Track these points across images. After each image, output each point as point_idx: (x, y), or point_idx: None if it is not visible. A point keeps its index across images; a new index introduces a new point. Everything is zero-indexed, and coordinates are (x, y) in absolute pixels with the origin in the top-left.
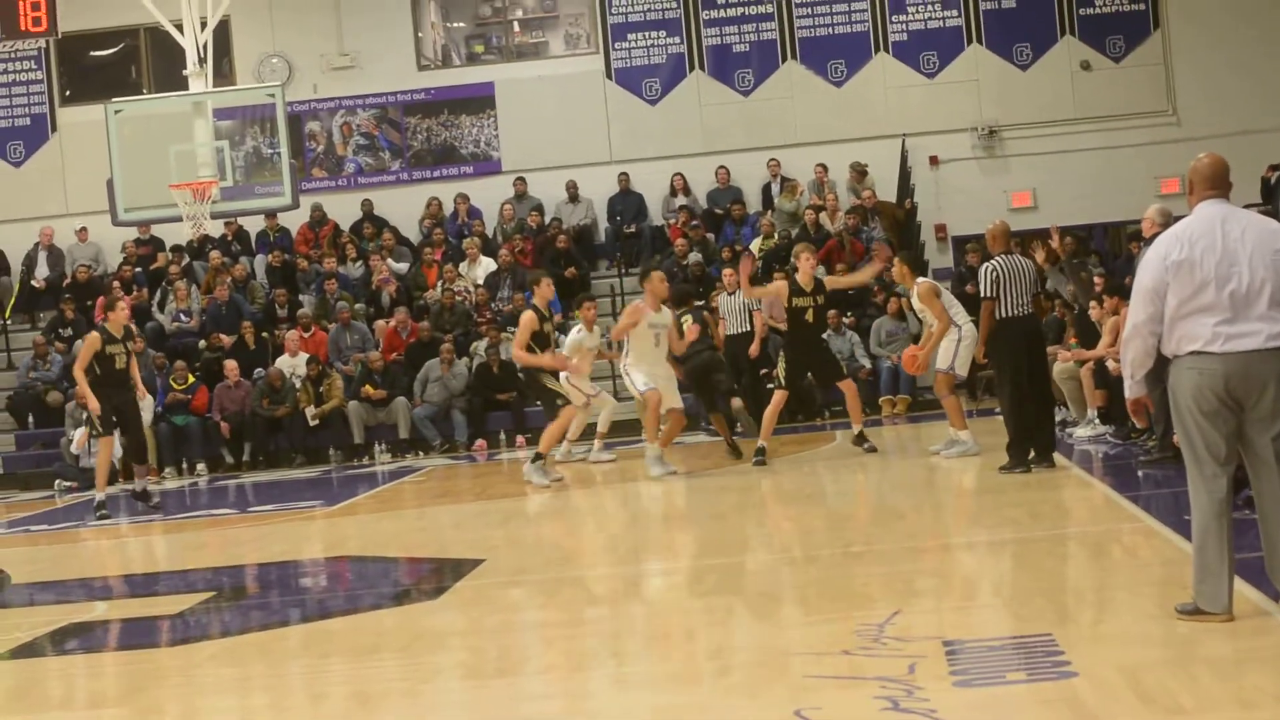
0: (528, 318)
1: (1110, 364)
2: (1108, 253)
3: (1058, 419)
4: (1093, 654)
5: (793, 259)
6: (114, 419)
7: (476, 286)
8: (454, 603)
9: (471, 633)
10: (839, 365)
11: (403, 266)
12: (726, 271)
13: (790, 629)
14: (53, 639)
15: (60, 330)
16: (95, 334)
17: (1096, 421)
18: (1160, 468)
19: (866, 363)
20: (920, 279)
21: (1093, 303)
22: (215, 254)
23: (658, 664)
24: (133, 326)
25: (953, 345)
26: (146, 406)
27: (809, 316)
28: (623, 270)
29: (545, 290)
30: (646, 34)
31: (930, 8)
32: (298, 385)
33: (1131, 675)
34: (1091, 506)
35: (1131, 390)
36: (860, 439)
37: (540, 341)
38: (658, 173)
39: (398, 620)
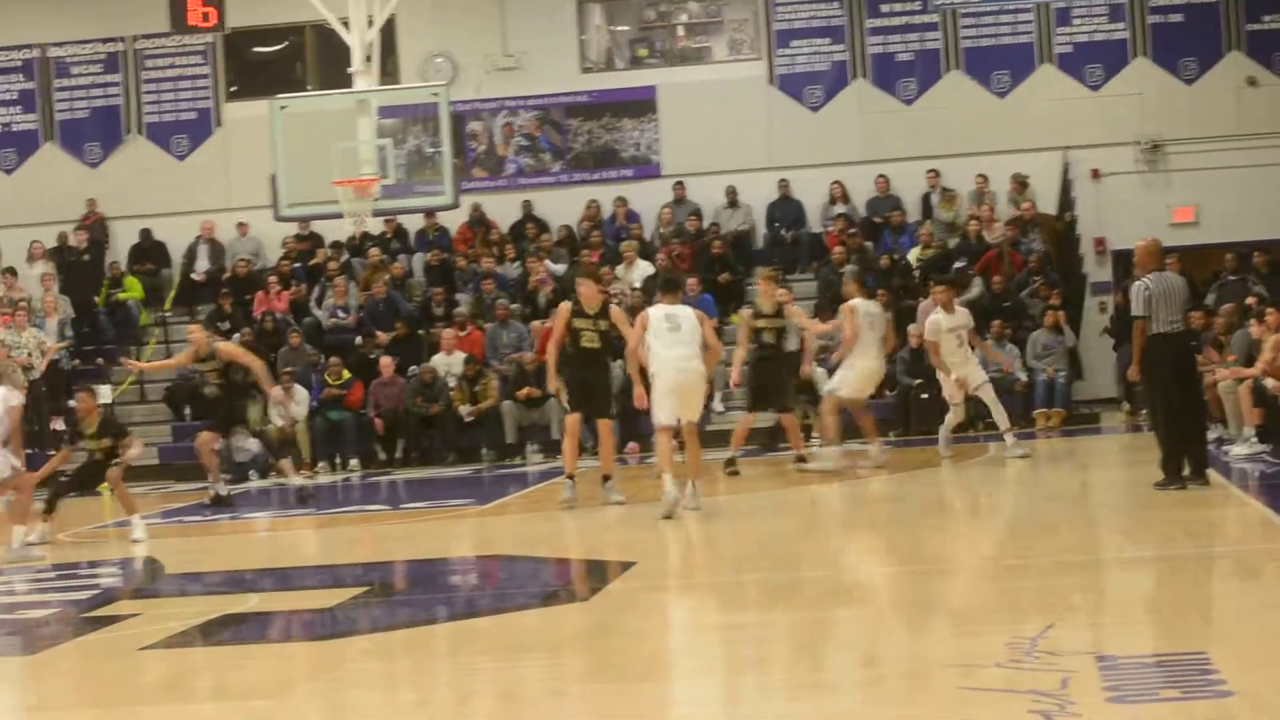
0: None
1: (1270, 383)
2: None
3: (1214, 436)
4: (1248, 674)
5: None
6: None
7: (633, 289)
8: (603, 605)
9: (620, 635)
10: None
11: (560, 268)
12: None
13: (943, 640)
14: (205, 630)
15: (219, 323)
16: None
17: (1254, 440)
18: None
19: (1023, 375)
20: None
21: (1253, 320)
22: (374, 251)
23: (808, 672)
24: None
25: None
26: (301, 401)
27: (767, 337)
28: (781, 277)
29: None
30: (810, 41)
31: (1096, 20)
32: (452, 384)
33: None
34: (1247, 525)
35: None
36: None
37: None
38: (817, 180)
39: (546, 621)
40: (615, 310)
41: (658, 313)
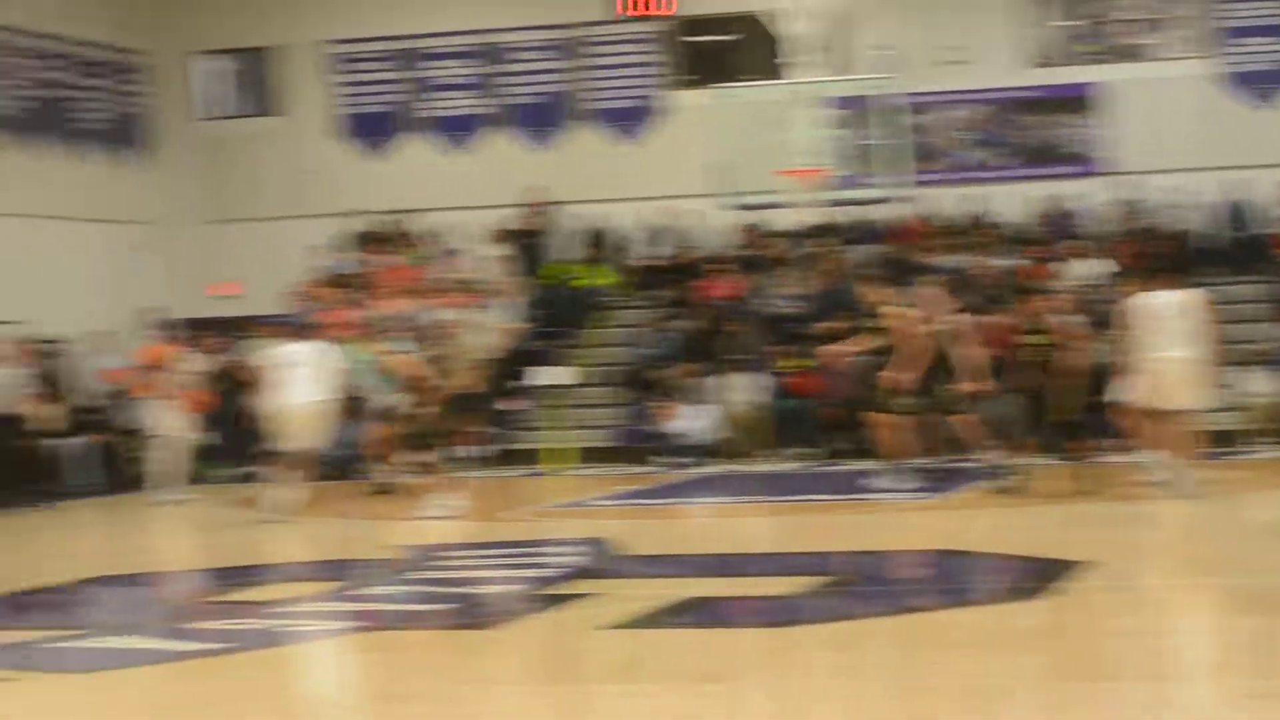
0: None
1: None
2: None
3: None
4: None
5: None
6: None
7: (1076, 288)
8: (1062, 603)
9: (1076, 635)
10: None
11: (1007, 263)
12: None
13: None
14: (666, 612)
15: (673, 308)
16: None
17: None
18: None
19: None
20: None
21: None
22: (824, 241)
23: (1264, 679)
24: None
25: None
26: (750, 389)
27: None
28: (1233, 278)
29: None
30: (1261, 39)
31: None
32: None
33: None
34: None
35: None
36: None
37: None
38: (1268, 179)
39: (1000, 617)
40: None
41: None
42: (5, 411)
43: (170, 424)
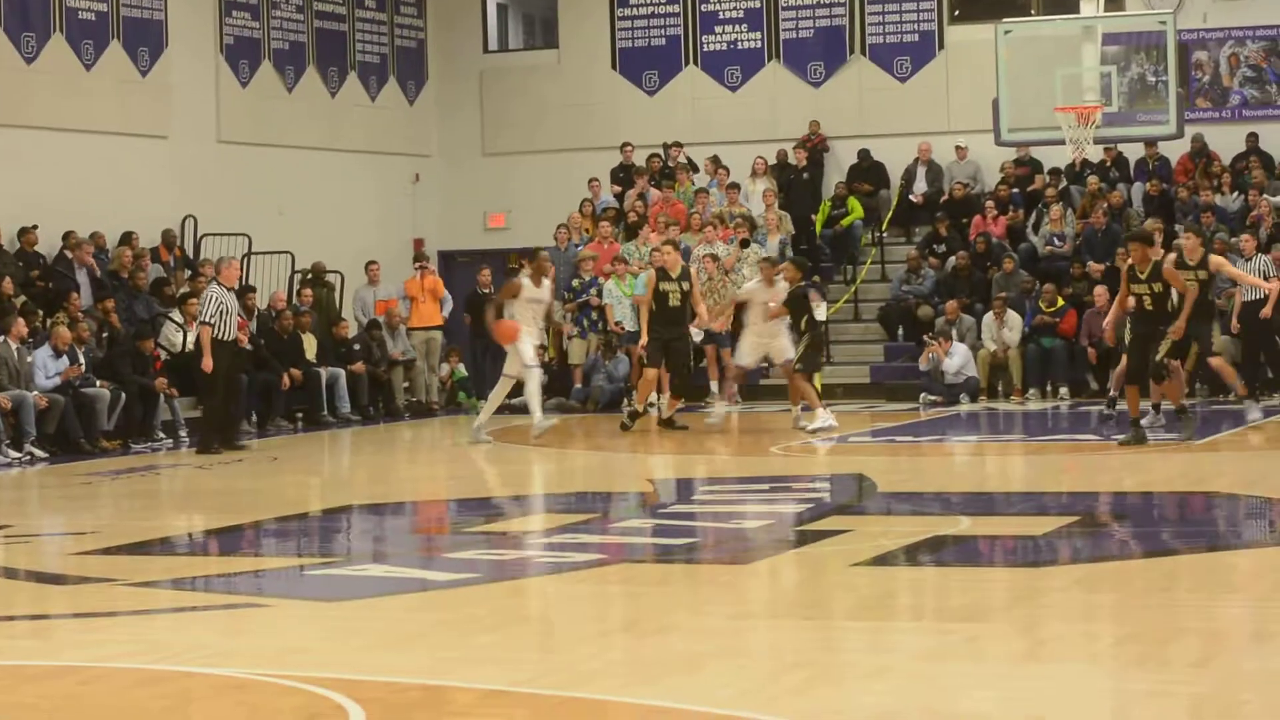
0: None
1: None
2: None
3: None
4: None
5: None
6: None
7: None
8: None
9: None
10: None
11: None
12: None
13: None
14: (912, 550)
15: (935, 246)
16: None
17: None
18: None
19: None
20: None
21: None
22: (1093, 179)
23: None
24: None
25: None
26: (1013, 326)
27: (1147, 304)
28: None
29: None
30: None
31: None
32: None
33: None
34: None
35: None
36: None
37: None
38: None
39: (1257, 562)
40: None
41: None
42: (275, 339)
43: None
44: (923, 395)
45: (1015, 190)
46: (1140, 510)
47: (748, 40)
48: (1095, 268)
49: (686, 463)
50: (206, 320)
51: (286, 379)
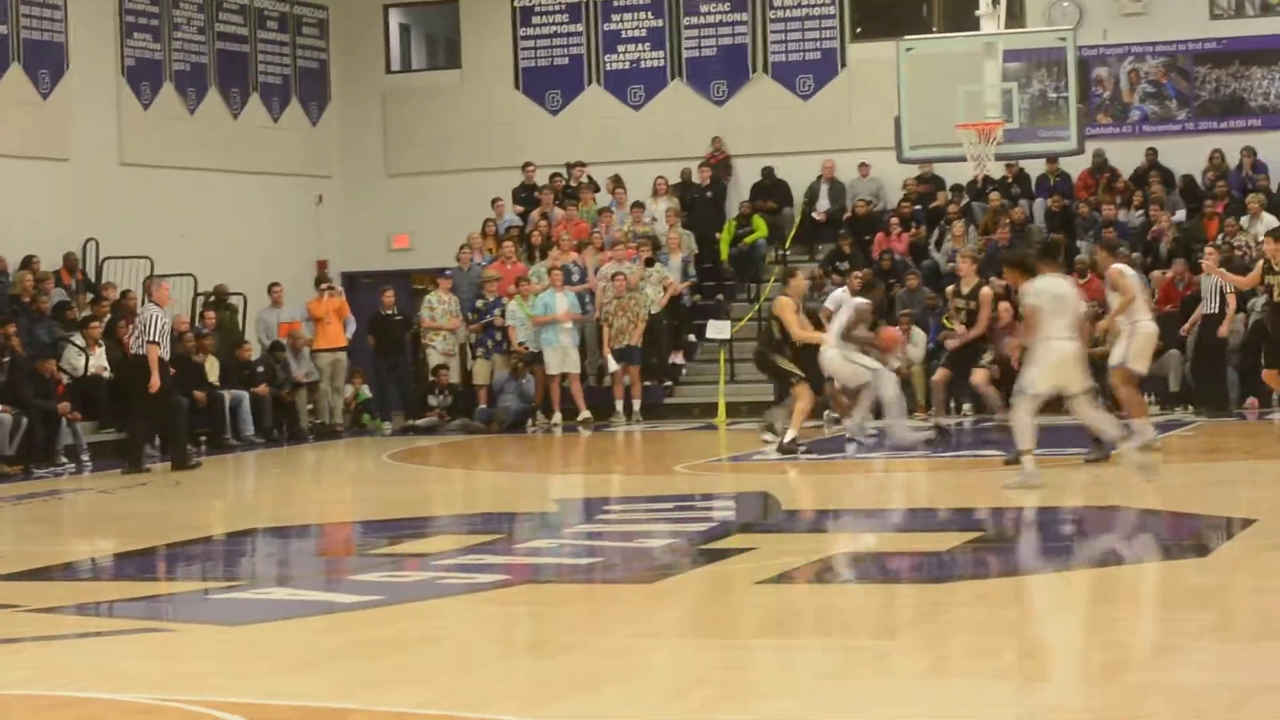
0: None
1: None
2: None
3: None
4: None
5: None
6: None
7: (1257, 242)
8: (1221, 561)
9: (1238, 593)
10: None
11: (1180, 216)
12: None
13: None
14: (817, 568)
15: (837, 263)
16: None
17: None
18: None
19: None
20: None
21: None
22: (995, 195)
23: None
24: None
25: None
26: (918, 343)
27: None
28: None
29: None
30: None
31: None
32: None
33: None
34: None
35: None
36: None
37: None
38: None
39: (1161, 575)
40: None
41: None
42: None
43: None
44: (826, 413)
45: (918, 207)
46: (1043, 525)
47: (650, 59)
48: (998, 284)
49: (591, 482)
50: (154, 339)
51: (189, 402)
